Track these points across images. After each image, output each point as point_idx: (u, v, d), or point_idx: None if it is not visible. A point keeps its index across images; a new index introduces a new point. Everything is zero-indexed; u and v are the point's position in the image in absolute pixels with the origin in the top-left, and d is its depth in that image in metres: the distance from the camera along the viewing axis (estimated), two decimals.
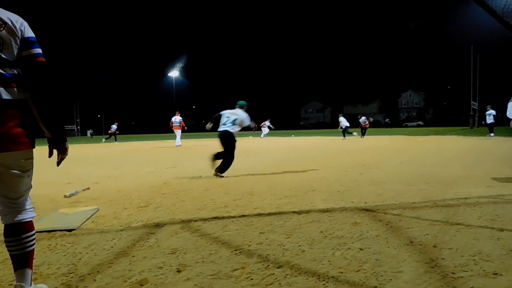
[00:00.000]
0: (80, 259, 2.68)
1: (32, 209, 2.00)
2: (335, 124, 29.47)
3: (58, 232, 3.38)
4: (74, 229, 3.46)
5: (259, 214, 3.85)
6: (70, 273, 2.41)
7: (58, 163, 2.03)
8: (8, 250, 1.94)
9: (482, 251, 2.57)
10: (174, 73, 58.32)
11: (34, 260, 2.05)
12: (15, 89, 1.81)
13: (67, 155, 2.03)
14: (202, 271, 2.37)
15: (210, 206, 4.33)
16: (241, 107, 7.52)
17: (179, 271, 2.38)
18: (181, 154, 13.54)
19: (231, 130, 7.12)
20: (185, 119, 20.39)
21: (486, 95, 43.93)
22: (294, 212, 3.90)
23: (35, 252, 2.02)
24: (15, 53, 1.82)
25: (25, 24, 1.88)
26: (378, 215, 3.69)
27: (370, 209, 3.95)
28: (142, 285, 2.18)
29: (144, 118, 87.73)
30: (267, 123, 31.14)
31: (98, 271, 2.42)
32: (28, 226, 1.95)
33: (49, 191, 5.65)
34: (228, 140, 7.12)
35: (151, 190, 5.51)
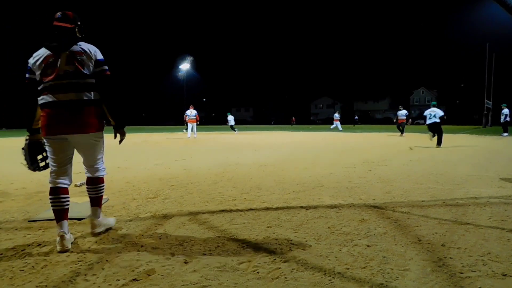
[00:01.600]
0: (89, 248, 2.72)
1: (104, 169, 3.08)
2: (346, 120, 29.27)
3: (68, 220, 3.42)
4: (84, 218, 3.50)
5: (267, 208, 3.86)
6: (79, 261, 2.45)
7: (120, 142, 3.07)
8: (88, 194, 3.04)
9: (491, 252, 2.55)
10: (185, 66, 58.41)
11: (43, 248, 2.66)
12: (92, 93, 2.82)
13: (125, 137, 3.05)
14: (209, 263, 2.39)
15: (218, 199, 4.35)
16: (434, 106, 12.82)
17: (186, 263, 2.40)
18: (190, 147, 13.60)
19: (438, 121, 12.34)
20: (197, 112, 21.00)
21: (501, 93, 43.17)
22: (301, 207, 3.90)
23: (47, 238, 2.66)
24: (91, 70, 2.82)
25: (97, 50, 2.89)
26: (386, 212, 3.67)
27: (378, 206, 3.93)
28: (149, 275, 2.21)
29: (154, 110, 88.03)
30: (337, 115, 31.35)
31: (106, 260, 2.46)
32: (101, 180, 3.05)
33: None
34: (438, 126, 12.38)
35: (159, 182, 5.55)
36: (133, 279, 2.15)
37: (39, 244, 2.79)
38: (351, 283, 2.09)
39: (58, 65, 2.75)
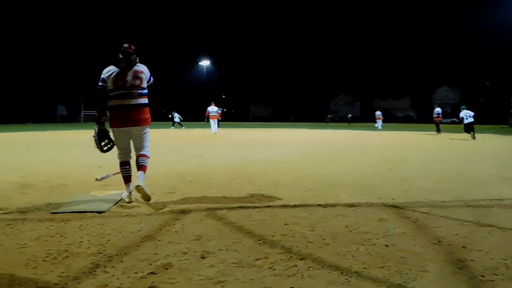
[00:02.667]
0: (108, 240, 2.77)
1: (148, 151, 4.27)
2: (365, 118, 28.81)
3: (88, 213, 3.51)
4: (104, 212, 3.58)
5: (284, 206, 3.86)
6: (99, 253, 2.50)
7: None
8: (136, 163, 4.12)
9: None
10: (204, 62, 58.58)
11: (65, 239, 2.79)
12: (146, 98, 4.16)
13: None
14: (226, 258, 2.41)
15: (235, 195, 4.37)
16: (464, 109, 16.52)
17: (203, 257, 2.42)
18: (208, 143, 13.69)
19: (473, 120, 16.03)
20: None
21: None
22: (319, 205, 3.88)
23: (68, 230, 2.90)
24: (146, 83, 4.16)
25: (148, 70, 4.20)
26: (406, 212, 3.62)
27: (397, 205, 3.87)
28: (167, 269, 2.24)
29: (173, 106, 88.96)
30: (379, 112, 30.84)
31: (125, 253, 2.50)
32: (144, 155, 4.20)
33: (81, 174, 5.86)
34: (473, 125, 16.02)
35: (178, 177, 5.62)
36: (151, 272, 2.19)
37: (61, 236, 2.87)
38: (367, 282, 2.07)
39: (126, 79, 4.01)
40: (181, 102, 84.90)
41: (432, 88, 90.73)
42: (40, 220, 3.30)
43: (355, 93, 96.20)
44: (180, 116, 32.38)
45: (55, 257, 2.43)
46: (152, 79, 4.26)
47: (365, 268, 2.26)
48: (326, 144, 13.47)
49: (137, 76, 4.05)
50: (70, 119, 62.60)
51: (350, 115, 59.68)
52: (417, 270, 2.23)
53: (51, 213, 3.55)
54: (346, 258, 2.41)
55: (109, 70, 4.02)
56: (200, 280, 2.09)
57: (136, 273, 2.18)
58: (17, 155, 9.12)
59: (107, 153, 4.32)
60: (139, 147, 4.21)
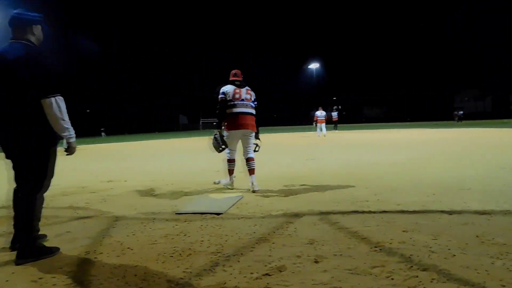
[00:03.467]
0: (226, 240, 2.94)
1: (252, 152, 5.27)
2: (499, 114, 25.34)
3: (208, 214, 3.78)
4: (222, 213, 3.81)
5: (402, 211, 3.61)
6: (217, 252, 2.67)
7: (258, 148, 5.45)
8: (247, 166, 5.16)
9: None
10: (314, 65, 58.22)
11: (188, 237, 3.06)
12: (254, 110, 5.30)
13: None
14: (340, 264, 2.34)
15: (349, 199, 4.24)
16: None
17: (316, 262, 2.40)
18: (320, 146, 13.60)
19: None
20: (328, 113, 23.81)
21: None
22: (443, 211, 3.52)
23: (191, 229, 3.26)
24: (253, 99, 5.36)
25: (253, 93, 5.39)
26: None
27: None
28: (281, 271, 2.28)
29: (284, 110, 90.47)
30: None
31: (241, 254, 2.62)
32: (253, 158, 5.20)
33: (201, 178, 6.35)
34: None
35: (290, 181, 5.69)
36: (266, 274, 2.25)
37: (185, 234, 3.14)
38: None
39: (241, 94, 5.20)
40: (290, 106, 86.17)
41: None
42: (167, 220, 3.67)
43: (485, 87, 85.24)
44: None
45: (180, 254, 2.67)
46: (256, 102, 5.38)
47: (504, 286, 1.97)
48: (450, 144, 12.21)
49: (248, 92, 5.28)
50: (191, 127, 68.82)
51: (461, 112, 49.75)
52: None
53: (176, 213, 3.92)
54: (478, 273, 2.13)
55: (228, 87, 5.21)
56: (314, 284, 2.08)
57: (251, 273, 2.27)
58: (147, 161, 10.39)
59: (224, 159, 5.35)
60: (247, 147, 5.24)
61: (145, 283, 2.18)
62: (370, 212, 3.64)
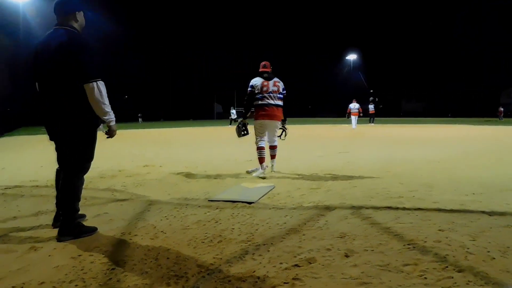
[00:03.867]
0: (256, 230, 2.96)
1: (276, 140, 5.83)
2: None
3: (239, 203, 3.81)
4: (253, 202, 3.84)
5: (438, 210, 3.49)
6: (248, 241, 2.70)
7: (285, 133, 6.08)
8: (270, 152, 5.80)
9: None
10: (352, 56, 56.87)
11: (219, 224, 3.12)
12: (281, 101, 5.75)
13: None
14: (371, 260, 2.31)
15: (382, 195, 4.15)
16: None
17: (347, 256, 2.38)
18: (354, 139, 13.36)
19: None
20: (363, 105, 23.69)
21: None
22: (482, 212, 3.38)
23: (222, 217, 3.33)
24: (281, 90, 5.77)
25: (282, 83, 5.77)
26: None
27: None
28: (310, 263, 2.27)
29: (319, 102, 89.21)
30: None
31: (271, 243, 2.64)
32: (276, 146, 5.85)
33: (234, 167, 6.41)
34: None
35: (322, 173, 5.63)
36: (295, 265, 2.25)
37: (216, 221, 3.19)
38: None
39: (269, 87, 5.60)
40: (328, 98, 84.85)
41: None
42: (199, 206, 3.74)
43: None
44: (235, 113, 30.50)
45: (211, 240, 2.71)
46: (285, 91, 5.77)
47: None
48: (492, 142, 11.65)
49: (275, 84, 5.65)
50: (225, 115, 69.61)
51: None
52: None
53: (209, 200, 3.98)
54: None
55: (257, 80, 5.63)
56: (343, 278, 2.06)
57: (281, 263, 2.27)
58: (182, 148, 10.61)
59: (255, 150, 5.69)
60: (272, 136, 5.77)
61: (176, 267, 2.24)
62: (404, 208, 3.55)
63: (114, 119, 2.94)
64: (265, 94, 5.55)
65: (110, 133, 3.00)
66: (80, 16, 2.97)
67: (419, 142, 11.67)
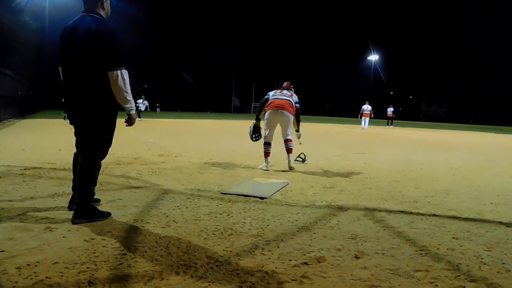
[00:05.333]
0: (267, 225, 2.96)
1: (290, 134, 5.92)
2: None
3: (252, 198, 3.81)
4: (266, 198, 3.83)
5: (454, 217, 3.42)
6: (258, 236, 2.70)
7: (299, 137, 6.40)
8: (285, 147, 5.85)
9: None
10: (373, 57, 56.07)
11: (231, 218, 3.12)
12: (293, 109, 5.93)
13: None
14: (381, 263, 2.28)
15: (397, 198, 4.09)
16: None
17: (357, 257, 2.35)
18: (372, 141, 13.20)
19: None
20: (374, 107, 23.97)
21: None
22: (500, 222, 3.29)
23: (234, 210, 3.32)
24: (293, 103, 5.98)
25: (296, 97, 6.12)
26: None
27: None
28: (319, 262, 2.26)
29: (336, 101, 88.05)
30: None
31: (282, 240, 2.63)
32: (291, 140, 5.89)
33: (249, 161, 6.41)
34: None
35: (337, 173, 5.59)
36: (304, 263, 2.24)
37: (228, 214, 3.20)
38: None
39: (283, 92, 6.02)
40: (342, 98, 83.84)
41: None
42: (212, 198, 3.76)
43: None
44: (147, 104, 24.01)
45: (221, 233, 2.72)
46: (298, 105, 6.00)
47: None
48: None
49: (289, 92, 6.09)
50: (242, 109, 69.71)
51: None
52: None
53: (221, 193, 3.99)
54: None
55: (273, 91, 6.13)
56: (352, 280, 2.04)
57: (290, 260, 2.27)
58: (198, 140, 10.68)
59: (266, 148, 5.82)
60: (285, 129, 5.89)
61: (186, 256, 2.26)
62: (418, 213, 3.49)
63: (134, 107, 2.98)
64: (276, 96, 5.94)
65: (129, 121, 3.04)
66: (107, 3, 3.01)
67: (438, 148, 11.46)
